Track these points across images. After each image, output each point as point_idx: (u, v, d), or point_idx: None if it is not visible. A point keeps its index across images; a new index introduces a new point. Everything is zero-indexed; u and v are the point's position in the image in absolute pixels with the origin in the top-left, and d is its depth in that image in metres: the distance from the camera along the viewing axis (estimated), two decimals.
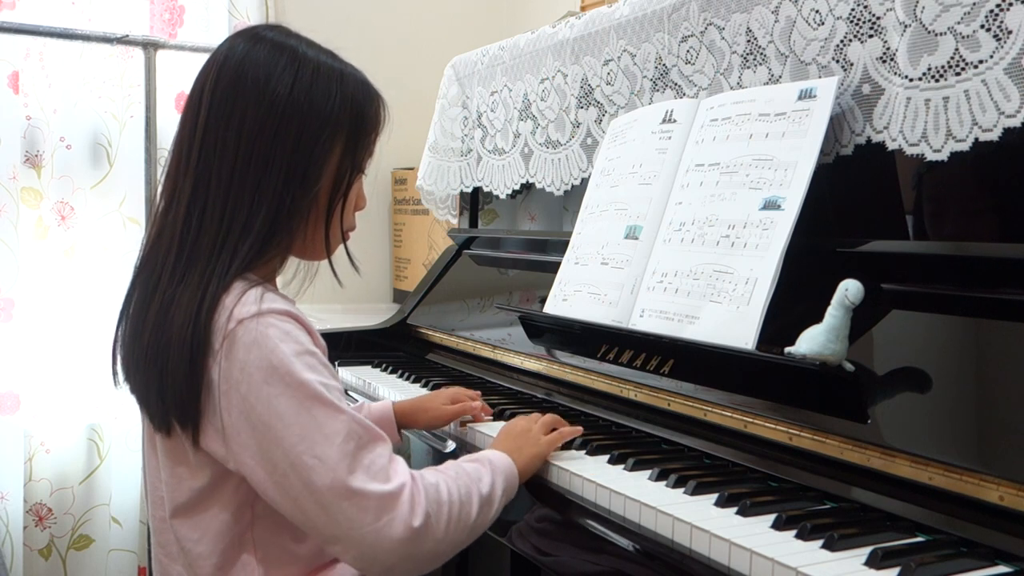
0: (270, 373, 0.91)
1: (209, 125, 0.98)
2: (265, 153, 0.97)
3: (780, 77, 1.28)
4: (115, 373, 1.02)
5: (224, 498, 0.97)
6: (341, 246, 1.08)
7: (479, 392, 1.40)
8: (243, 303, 0.93)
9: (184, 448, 0.97)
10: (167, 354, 0.93)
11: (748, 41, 1.32)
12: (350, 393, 1.72)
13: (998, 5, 0.98)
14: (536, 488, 1.12)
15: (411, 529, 0.91)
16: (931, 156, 1.05)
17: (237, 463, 0.94)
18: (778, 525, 0.89)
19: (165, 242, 0.99)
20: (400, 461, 0.96)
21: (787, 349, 1.04)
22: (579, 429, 1.19)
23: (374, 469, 0.92)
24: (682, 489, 1.00)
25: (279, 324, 0.93)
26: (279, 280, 1.09)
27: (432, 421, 1.35)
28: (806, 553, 0.83)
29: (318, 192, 1.01)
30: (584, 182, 1.64)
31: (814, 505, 0.96)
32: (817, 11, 1.21)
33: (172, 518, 0.99)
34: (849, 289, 1.00)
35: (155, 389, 0.95)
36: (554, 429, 1.17)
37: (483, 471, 1.03)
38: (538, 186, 1.84)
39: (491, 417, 1.36)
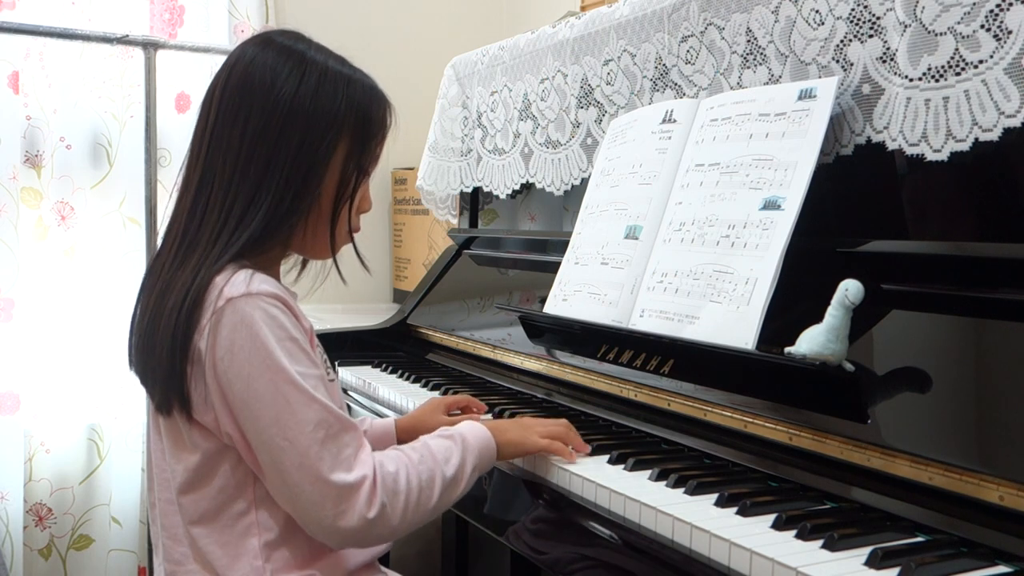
0: (251, 354, 0.95)
1: (217, 125, 1.03)
2: (267, 154, 1.01)
3: (780, 77, 1.28)
4: (129, 354, 1.06)
5: (221, 479, 1.00)
6: (347, 246, 1.11)
7: (473, 399, 1.37)
8: (232, 283, 0.97)
9: (179, 428, 1.00)
10: (158, 333, 0.98)
11: (748, 41, 1.32)
12: (350, 392, 1.72)
13: (998, 5, 0.98)
14: (536, 488, 1.12)
15: (365, 520, 0.95)
16: (931, 156, 1.05)
17: (225, 432, 0.98)
18: (778, 525, 0.89)
19: (172, 232, 1.05)
20: (366, 451, 0.99)
21: (787, 349, 1.04)
22: (584, 449, 1.14)
23: (340, 458, 0.96)
24: (682, 489, 1.00)
25: (266, 307, 0.97)
26: (291, 276, 1.13)
27: None
28: (806, 553, 0.83)
29: (320, 193, 1.04)
30: (584, 182, 1.64)
31: (814, 505, 0.96)
32: (817, 11, 1.21)
33: (179, 495, 1.02)
34: (849, 289, 1.00)
35: (150, 367, 1.00)
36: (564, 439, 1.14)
37: (453, 450, 1.05)
38: (538, 186, 1.84)
39: (487, 414, 1.36)
